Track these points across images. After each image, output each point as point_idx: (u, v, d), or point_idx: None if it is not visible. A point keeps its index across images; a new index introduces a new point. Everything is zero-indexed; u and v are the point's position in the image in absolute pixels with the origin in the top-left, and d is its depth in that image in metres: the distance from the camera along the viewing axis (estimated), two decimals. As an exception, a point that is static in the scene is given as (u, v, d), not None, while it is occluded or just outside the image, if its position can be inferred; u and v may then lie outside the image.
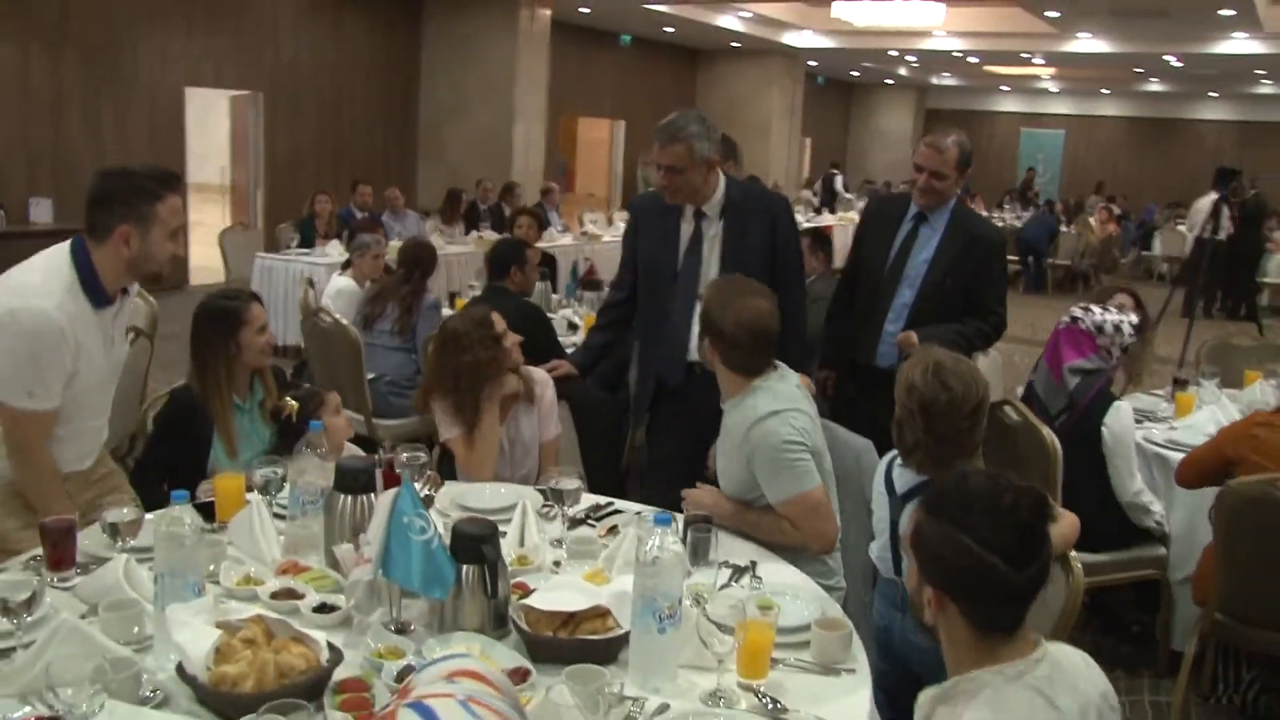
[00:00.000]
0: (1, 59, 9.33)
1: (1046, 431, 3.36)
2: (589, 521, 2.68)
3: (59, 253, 2.56)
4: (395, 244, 7.28)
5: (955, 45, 16.94)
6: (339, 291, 5.84)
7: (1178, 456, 3.69)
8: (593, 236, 10.67)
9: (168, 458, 2.98)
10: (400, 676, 1.80)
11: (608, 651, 1.97)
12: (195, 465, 2.92)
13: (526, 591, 2.18)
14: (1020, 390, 3.89)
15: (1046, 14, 13.77)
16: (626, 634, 1.96)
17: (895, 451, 2.59)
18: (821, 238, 6.33)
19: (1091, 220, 15.27)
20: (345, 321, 5.06)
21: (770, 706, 1.85)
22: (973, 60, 19.01)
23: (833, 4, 13.98)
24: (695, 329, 3.34)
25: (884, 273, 3.72)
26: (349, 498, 2.29)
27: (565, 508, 2.58)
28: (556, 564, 2.42)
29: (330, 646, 1.83)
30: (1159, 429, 4.10)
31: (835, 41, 17.30)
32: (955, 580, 1.68)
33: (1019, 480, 1.72)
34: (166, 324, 4.75)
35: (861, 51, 18.20)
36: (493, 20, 13.01)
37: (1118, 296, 4.31)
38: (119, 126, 10.28)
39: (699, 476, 2.93)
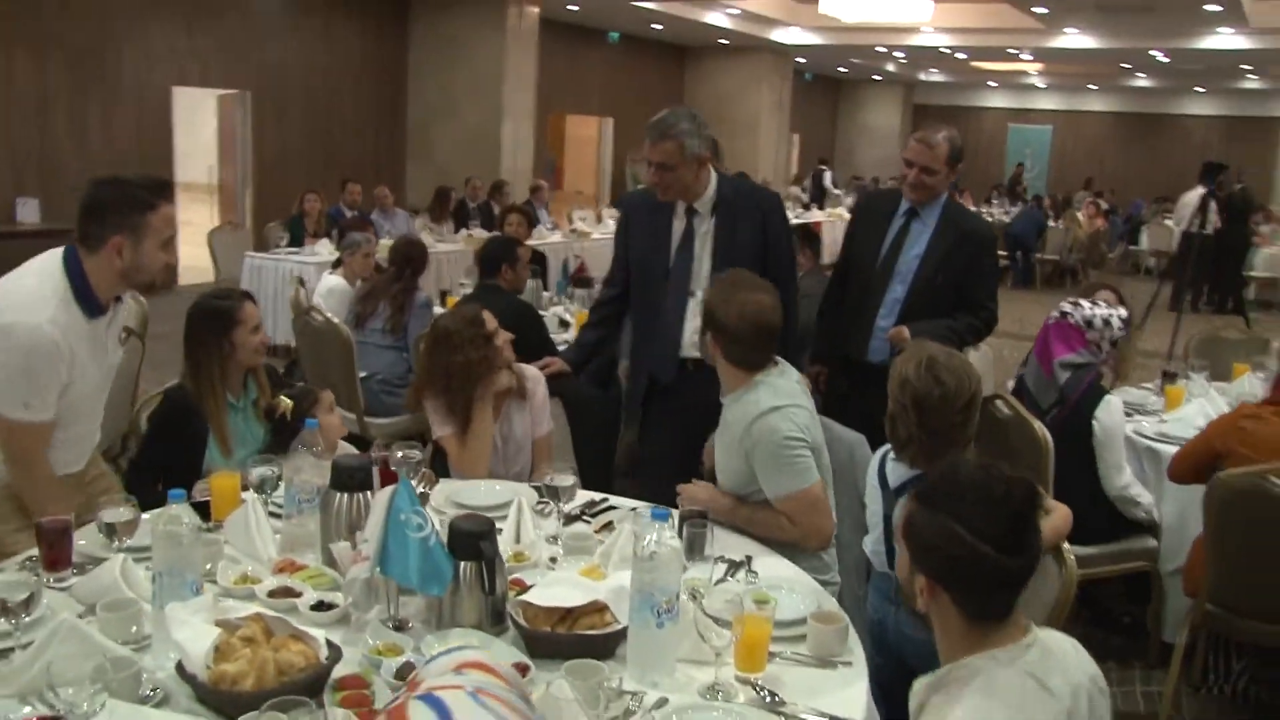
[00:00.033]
0: (-13, 59, 9.30)
1: (1038, 425, 3.37)
2: (584, 518, 2.69)
3: (51, 262, 2.53)
4: (386, 242, 7.27)
5: (943, 41, 16.97)
6: (330, 290, 5.84)
7: (1168, 449, 3.72)
8: (582, 234, 10.67)
9: (162, 457, 2.97)
10: (399, 673, 1.81)
11: (606, 646, 1.98)
12: (190, 465, 2.91)
13: (524, 588, 2.18)
14: (1010, 384, 3.91)
15: (1034, 10, 13.82)
16: (624, 629, 1.97)
17: (888, 446, 2.61)
18: (810, 234, 6.35)
19: (1079, 215, 15.33)
20: (337, 320, 5.06)
21: (768, 699, 1.86)
22: (960, 56, 19.06)
23: (820, 0, 13.99)
24: (688, 326, 3.36)
25: (875, 268, 3.73)
26: (345, 496, 2.29)
27: (560, 504, 2.59)
28: (553, 560, 2.43)
29: (329, 644, 1.84)
30: (1149, 422, 4.12)
31: (823, 38, 17.29)
32: (948, 570, 1.69)
33: (1011, 471, 1.74)
34: (157, 324, 4.75)
35: (849, 48, 18.23)
36: (481, 18, 12.98)
37: (1101, 293, 4.32)
38: (105, 126, 10.20)
39: (693, 473, 2.94)
